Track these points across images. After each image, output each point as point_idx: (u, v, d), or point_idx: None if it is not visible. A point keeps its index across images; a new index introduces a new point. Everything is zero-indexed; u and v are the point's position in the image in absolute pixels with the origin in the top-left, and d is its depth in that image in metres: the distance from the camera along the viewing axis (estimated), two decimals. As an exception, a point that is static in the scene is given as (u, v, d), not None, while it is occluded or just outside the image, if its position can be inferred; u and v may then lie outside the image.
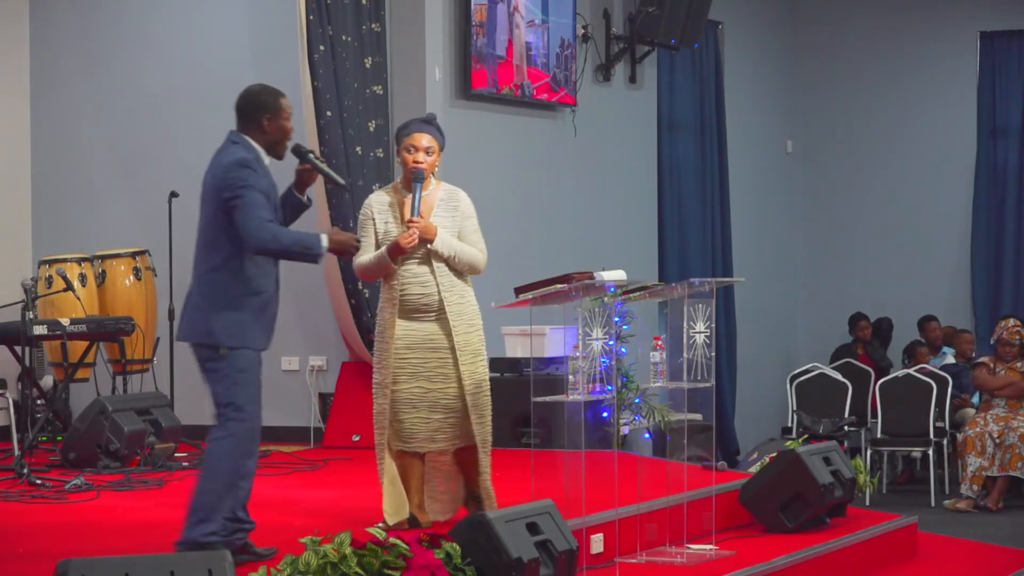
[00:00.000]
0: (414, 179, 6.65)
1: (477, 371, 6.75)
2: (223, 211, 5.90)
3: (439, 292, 6.69)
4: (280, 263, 6.12)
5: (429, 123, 6.76)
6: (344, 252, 6.28)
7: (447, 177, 6.96)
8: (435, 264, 6.69)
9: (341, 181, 6.42)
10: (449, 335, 6.68)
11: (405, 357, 6.70)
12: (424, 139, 6.69)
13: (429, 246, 6.66)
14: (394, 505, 6.73)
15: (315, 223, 9.76)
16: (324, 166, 6.33)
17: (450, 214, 6.77)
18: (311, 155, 6.24)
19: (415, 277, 6.69)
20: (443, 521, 6.80)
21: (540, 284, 6.62)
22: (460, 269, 6.75)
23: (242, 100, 6.09)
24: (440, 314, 6.69)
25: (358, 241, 6.34)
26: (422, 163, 6.67)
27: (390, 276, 6.72)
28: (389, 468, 6.74)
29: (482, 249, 6.81)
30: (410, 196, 6.66)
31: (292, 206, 6.23)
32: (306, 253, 6.03)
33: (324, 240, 6.07)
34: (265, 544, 6.12)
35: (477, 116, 10.79)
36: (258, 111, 6.04)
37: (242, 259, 5.93)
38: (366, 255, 6.71)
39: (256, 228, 5.87)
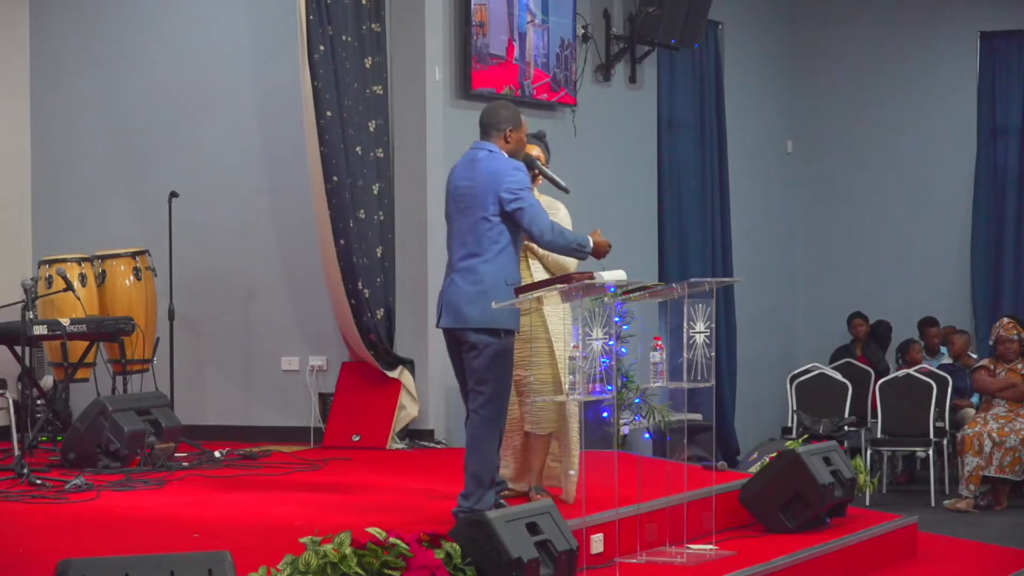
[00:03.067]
0: None
1: None
2: (503, 211, 6.53)
3: None
4: None
5: (539, 139, 7.30)
6: (602, 254, 6.87)
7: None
8: (530, 261, 7.17)
9: (564, 184, 7.14)
10: (543, 326, 7.09)
11: None
12: (534, 151, 7.21)
13: (525, 243, 7.04)
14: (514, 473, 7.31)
15: (314, 222, 9.77)
16: (550, 172, 7.11)
17: None
18: (538, 163, 7.05)
19: None
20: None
21: (540, 284, 6.63)
22: (551, 269, 7.22)
23: (491, 115, 6.77)
24: (536, 307, 7.01)
25: (609, 246, 6.90)
26: None
27: None
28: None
29: None
30: None
31: None
32: (580, 250, 6.75)
33: (590, 241, 6.76)
34: (264, 544, 6.12)
35: (477, 116, 10.74)
36: (504, 124, 6.72)
37: (510, 252, 6.60)
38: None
39: (550, 227, 6.59)
